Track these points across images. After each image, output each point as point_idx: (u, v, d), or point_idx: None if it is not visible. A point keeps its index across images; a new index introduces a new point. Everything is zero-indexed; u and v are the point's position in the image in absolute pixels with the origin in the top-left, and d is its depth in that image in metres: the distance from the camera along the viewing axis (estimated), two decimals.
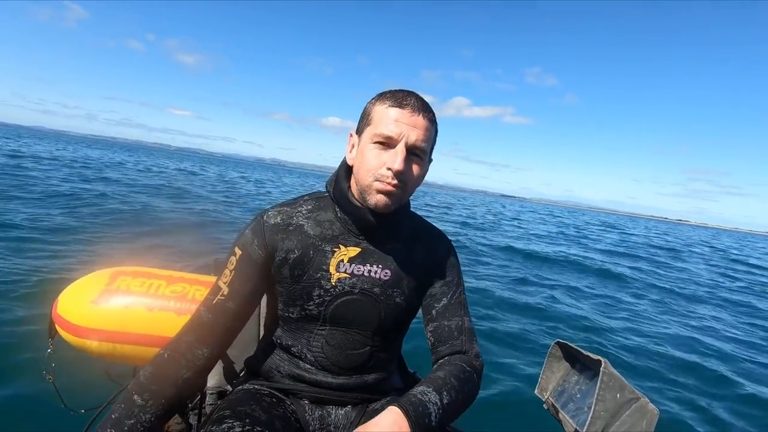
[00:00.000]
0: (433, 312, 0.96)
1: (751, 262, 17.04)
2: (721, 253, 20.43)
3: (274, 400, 0.90)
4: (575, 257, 10.23)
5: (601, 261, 10.42)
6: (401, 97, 0.82)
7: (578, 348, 1.00)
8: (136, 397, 0.79)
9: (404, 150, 0.80)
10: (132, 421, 0.76)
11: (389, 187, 0.82)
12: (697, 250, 20.23)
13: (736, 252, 22.52)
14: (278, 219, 0.89)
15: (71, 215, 6.69)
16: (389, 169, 0.80)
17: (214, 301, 0.86)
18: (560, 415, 0.98)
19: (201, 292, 1.27)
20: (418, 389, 0.80)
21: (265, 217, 0.90)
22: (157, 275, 1.29)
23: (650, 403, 0.83)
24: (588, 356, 0.95)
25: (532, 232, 17.12)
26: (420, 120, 0.82)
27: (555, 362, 1.09)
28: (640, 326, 5.11)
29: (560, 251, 11.21)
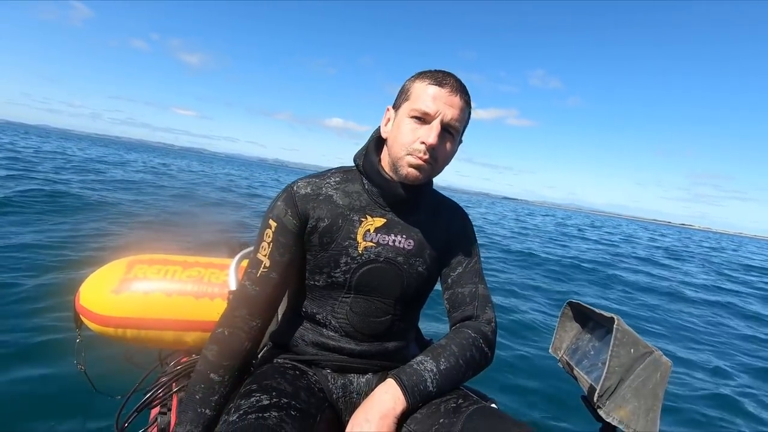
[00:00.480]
0: (449, 280, 1.01)
1: None
2: None
3: (297, 372, 0.94)
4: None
5: None
6: (441, 77, 0.85)
7: (590, 307, 1.02)
8: (212, 375, 0.85)
9: (439, 126, 0.84)
10: (216, 397, 0.85)
11: (421, 162, 0.86)
12: None
13: None
14: (308, 189, 0.93)
15: (83, 207, 6.76)
16: (423, 143, 0.84)
17: (258, 274, 0.90)
18: (575, 372, 1.00)
19: (216, 274, 1.29)
20: (416, 359, 0.88)
21: (295, 187, 0.93)
22: (173, 261, 1.31)
23: (664, 356, 0.85)
24: (601, 314, 0.96)
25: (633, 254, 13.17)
26: (457, 100, 0.85)
27: (568, 321, 1.11)
28: None
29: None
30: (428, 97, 0.84)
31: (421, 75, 0.88)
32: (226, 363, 0.87)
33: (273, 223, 0.91)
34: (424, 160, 0.85)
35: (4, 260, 3.70)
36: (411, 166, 0.86)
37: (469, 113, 0.91)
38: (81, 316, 1.27)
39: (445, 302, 1.01)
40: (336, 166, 1.02)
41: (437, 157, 0.87)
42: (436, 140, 0.83)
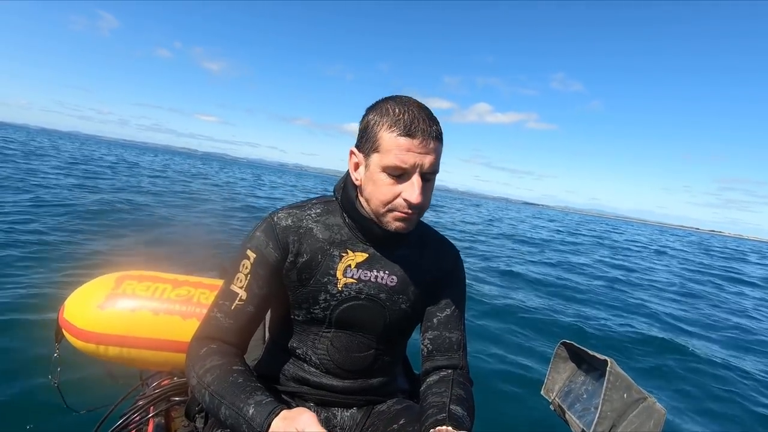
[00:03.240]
0: (434, 320, 0.96)
1: None
2: None
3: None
4: None
5: None
6: (409, 122, 0.77)
7: (584, 348, 1.00)
8: (235, 369, 0.78)
9: (420, 180, 0.78)
10: (254, 379, 0.79)
11: (407, 217, 0.82)
12: None
13: None
14: (289, 221, 0.88)
15: (75, 220, 6.73)
16: (406, 200, 0.79)
17: (233, 307, 0.85)
18: (567, 416, 0.97)
19: (206, 295, 1.27)
20: (455, 408, 0.82)
21: (275, 218, 0.88)
22: (163, 279, 1.29)
23: (657, 403, 0.82)
24: (594, 356, 0.94)
25: None
26: (431, 146, 0.78)
27: (561, 363, 1.09)
28: None
29: None
30: (401, 150, 0.76)
31: (386, 120, 0.78)
32: (236, 358, 0.82)
33: (252, 254, 0.86)
34: (410, 214, 0.81)
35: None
36: (397, 220, 0.82)
37: (443, 143, 0.83)
38: (63, 330, 1.24)
39: (426, 341, 0.95)
40: (317, 196, 0.98)
41: (422, 207, 0.82)
42: (420, 197, 0.78)
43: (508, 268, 7.49)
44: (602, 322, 5.02)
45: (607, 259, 11.51)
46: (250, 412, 0.70)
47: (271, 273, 0.87)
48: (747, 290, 9.74)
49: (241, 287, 0.85)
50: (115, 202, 8.63)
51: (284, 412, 0.69)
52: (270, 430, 0.67)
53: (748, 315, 6.87)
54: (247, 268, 0.86)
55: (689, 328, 5.49)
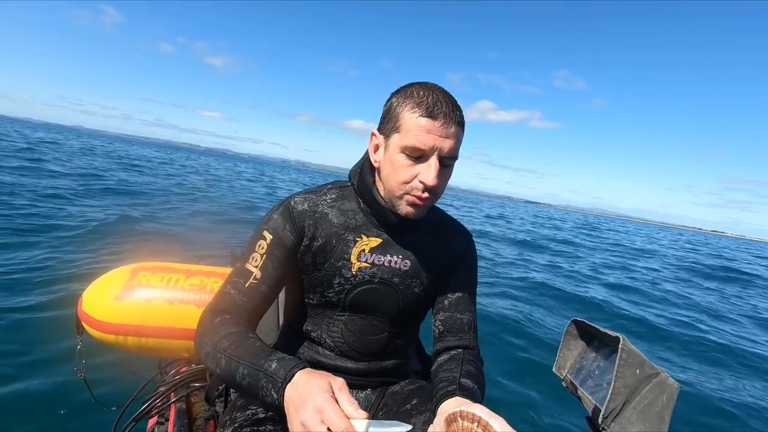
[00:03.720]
0: (446, 302, 0.96)
1: None
2: None
3: None
4: None
5: None
6: (432, 105, 0.77)
7: (595, 326, 1.00)
8: (251, 336, 0.77)
9: (437, 163, 0.78)
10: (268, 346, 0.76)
11: (421, 201, 0.81)
12: None
13: None
14: (305, 206, 0.89)
15: (90, 213, 6.83)
16: (422, 182, 0.79)
17: (247, 285, 0.84)
18: (579, 392, 0.98)
19: (218, 284, 1.29)
20: (465, 381, 0.82)
21: (292, 202, 0.89)
22: (176, 269, 1.32)
23: (670, 378, 0.83)
24: (606, 333, 0.94)
25: None
26: (452, 130, 0.78)
27: (572, 340, 1.09)
28: None
29: None
30: (421, 132, 0.76)
31: (409, 101, 0.79)
32: (244, 326, 0.80)
33: (268, 236, 0.86)
34: (424, 199, 0.81)
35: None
36: (410, 204, 0.82)
37: (464, 131, 0.83)
38: (82, 323, 1.27)
39: (438, 323, 0.96)
40: (332, 181, 0.98)
41: (436, 191, 0.82)
42: (437, 180, 0.78)
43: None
44: None
45: None
46: (273, 366, 0.67)
47: (287, 255, 0.87)
48: None
49: (256, 266, 0.85)
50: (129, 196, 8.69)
51: (310, 369, 0.67)
52: (294, 380, 0.64)
53: None
54: (263, 248, 0.86)
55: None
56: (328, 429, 0.56)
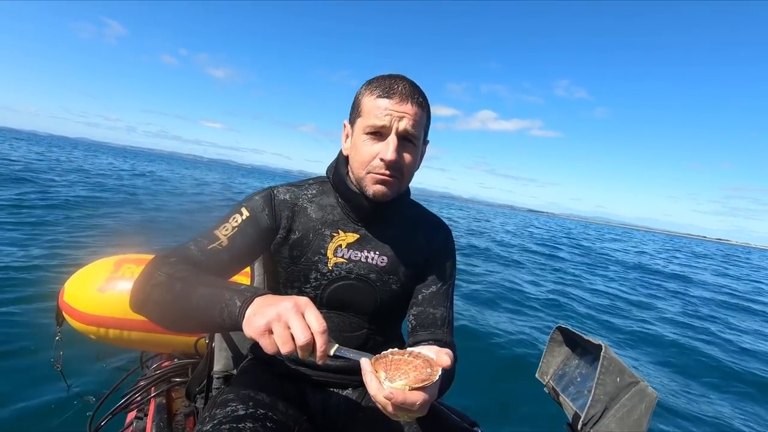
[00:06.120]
0: (420, 297, 0.96)
1: None
2: None
3: (276, 383, 0.92)
4: None
5: None
6: (388, 86, 0.81)
7: (579, 333, 1.01)
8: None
9: (395, 139, 0.80)
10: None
11: (384, 177, 0.82)
12: None
13: None
14: (287, 196, 0.90)
15: (72, 205, 6.73)
16: (382, 159, 0.80)
17: (209, 247, 0.80)
18: (561, 399, 0.99)
19: None
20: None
21: (275, 191, 0.90)
22: None
23: (649, 387, 0.84)
24: (588, 341, 0.95)
25: None
26: (409, 107, 0.81)
27: (556, 347, 1.10)
28: None
29: None
30: (379, 110, 0.80)
31: (369, 86, 0.84)
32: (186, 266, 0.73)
33: (246, 212, 0.85)
34: (387, 176, 0.82)
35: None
36: (376, 182, 0.83)
37: (428, 113, 0.87)
38: (63, 313, 1.25)
39: (411, 317, 0.96)
40: (314, 176, 0.99)
41: (401, 169, 0.84)
42: (395, 155, 0.80)
43: None
44: None
45: None
46: (241, 287, 0.65)
47: (258, 237, 0.86)
48: None
49: (224, 235, 0.83)
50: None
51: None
52: (262, 295, 0.62)
53: None
54: (236, 221, 0.85)
55: None
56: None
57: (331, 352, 0.59)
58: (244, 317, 0.60)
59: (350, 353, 0.61)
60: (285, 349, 0.57)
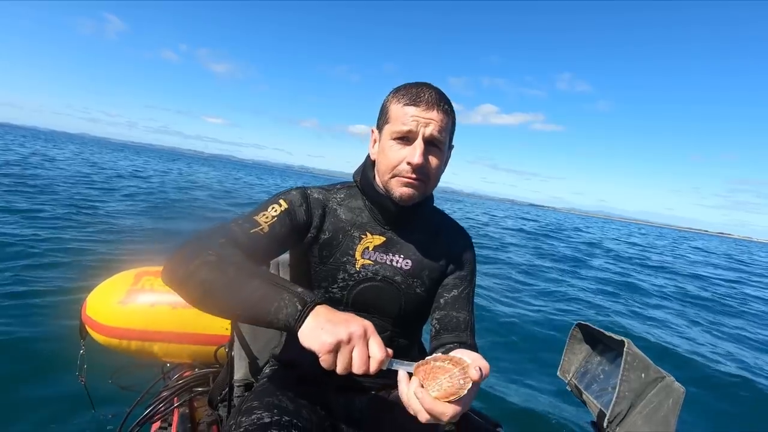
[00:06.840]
0: (442, 301, 0.97)
1: None
2: None
3: (300, 389, 0.92)
4: None
5: None
6: (415, 94, 0.84)
7: (600, 329, 1.00)
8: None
9: (422, 144, 0.83)
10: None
11: (410, 180, 0.85)
12: None
13: None
14: (320, 196, 0.93)
15: (94, 218, 6.85)
16: (408, 163, 0.83)
17: (252, 231, 0.80)
18: (584, 396, 0.98)
19: None
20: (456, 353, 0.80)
21: (308, 190, 0.93)
22: None
23: (676, 382, 0.82)
24: (611, 337, 0.94)
25: None
26: (435, 114, 0.84)
27: (576, 344, 1.09)
28: None
29: None
30: (406, 117, 0.83)
31: (397, 94, 0.87)
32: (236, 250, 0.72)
33: (284, 204, 0.86)
34: (413, 179, 0.85)
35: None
36: (402, 185, 0.86)
37: (453, 121, 0.90)
38: (86, 327, 1.27)
39: (434, 321, 0.97)
40: (341, 181, 1.03)
41: (427, 172, 0.86)
42: (422, 159, 0.82)
43: None
44: None
45: None
46: (299, 289, 0.64)
47: (293, 230, 0.87)
48: None
49: (265, 221, 0.82)
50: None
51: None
52: (319, 306, 0.62)
53: None
54: (276, 211, 0.85)
55: None
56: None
57: (384, 367, 0.61)
58: (302, 323, 0.60)
59: (401, 365, 0.62)
60: (342, 371, 0.59)
